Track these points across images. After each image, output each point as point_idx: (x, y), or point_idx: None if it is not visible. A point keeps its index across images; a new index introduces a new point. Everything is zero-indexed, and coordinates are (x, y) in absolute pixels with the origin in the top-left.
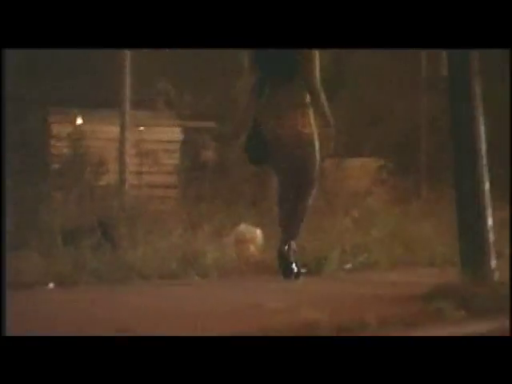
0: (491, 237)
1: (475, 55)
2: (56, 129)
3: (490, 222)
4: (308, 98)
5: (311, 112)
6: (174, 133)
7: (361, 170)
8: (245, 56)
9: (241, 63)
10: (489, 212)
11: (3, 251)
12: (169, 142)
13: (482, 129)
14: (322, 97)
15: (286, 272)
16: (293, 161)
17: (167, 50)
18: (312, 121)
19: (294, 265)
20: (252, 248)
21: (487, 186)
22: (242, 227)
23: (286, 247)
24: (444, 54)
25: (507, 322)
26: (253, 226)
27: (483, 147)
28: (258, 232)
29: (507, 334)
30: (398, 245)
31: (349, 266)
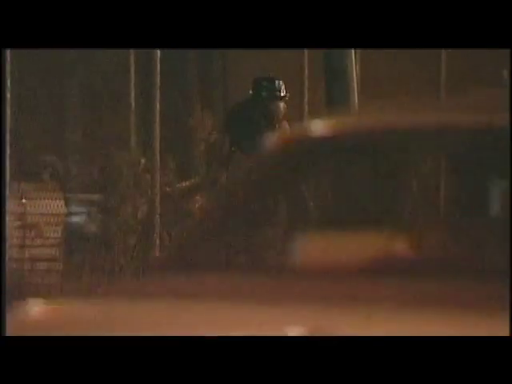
0: None
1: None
2: None
3: None
4: None
5: None
6: (59, 205)
7: None
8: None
9: (127, 132)
10: None
11: (3, 251)
12: (53, 214)
13: None
14: None
15: None
16: None
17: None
18: None
19: None
20: None
21: None
22: None
23: None
24: None
25: None
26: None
27: None
28: None
29: None
30: None
31: None
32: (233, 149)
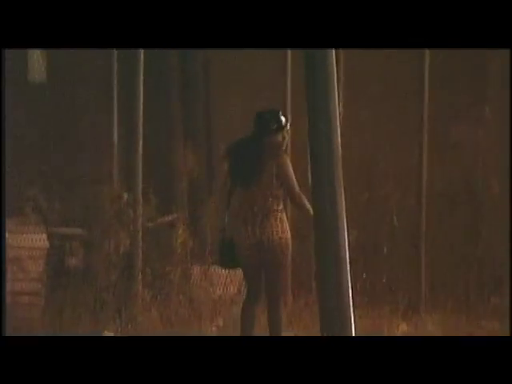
0: None
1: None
2: None
3: (353, 331)
4: (282, 205)
5: (285, 216)
6: (41, 239)
7: (227, 277)
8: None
9: (110, 167)
10: (352, 319)
11: (3, 251)
12: (35, 248)
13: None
14: (303, 197)
15: None
16: (271, 264)
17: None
18: (287, 225)
19: None
20: None
21: (350, 293)
22: (106, 335)
23: None
24: None
25: None
26: (116, 334)
27: (347, 258)
28: None
29: None
30: None
31: None
32: (232, 184)
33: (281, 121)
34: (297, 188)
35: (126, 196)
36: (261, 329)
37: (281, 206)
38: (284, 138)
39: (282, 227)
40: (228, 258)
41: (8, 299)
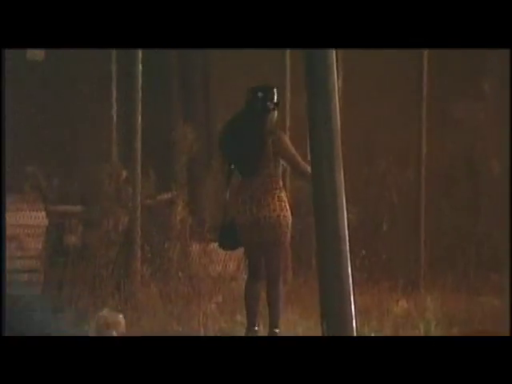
0: (354, 324)
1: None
2: None
3: (352, 307)
4: (280, 183)
5: (284, 194)
6: (40, 217)
7: (226, 254)
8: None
9: (108, 144)
10: (351, 295)
11: (3, 251)
12: (34, 226)
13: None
14: (307, 166)
15: None
16: (269, 242)
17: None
18: (286, 203)
19: None
20: (114, 333)
21: (349, 270)
22: (105, 312)
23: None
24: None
25: None
26: (116, 311)
27: (346, 236)
28: (121, 317)
29: None
30: (264, 331)
31: None
32: (232, 165)
33: (274, 97)
34: (299, 158)
35: (125, 173)
36: (265, 307)
37: (279, 184)
38: (276, 114)
39: (281, 205)
40: (229, 239)
41: (7, 277)
